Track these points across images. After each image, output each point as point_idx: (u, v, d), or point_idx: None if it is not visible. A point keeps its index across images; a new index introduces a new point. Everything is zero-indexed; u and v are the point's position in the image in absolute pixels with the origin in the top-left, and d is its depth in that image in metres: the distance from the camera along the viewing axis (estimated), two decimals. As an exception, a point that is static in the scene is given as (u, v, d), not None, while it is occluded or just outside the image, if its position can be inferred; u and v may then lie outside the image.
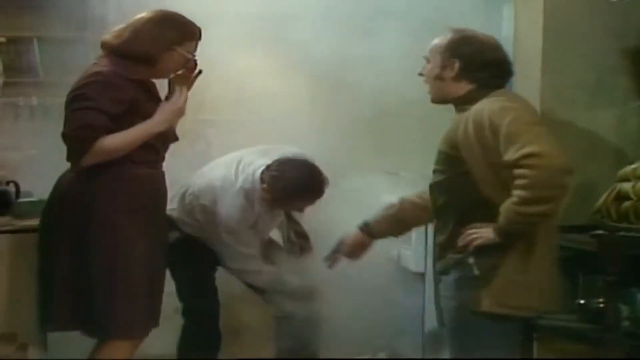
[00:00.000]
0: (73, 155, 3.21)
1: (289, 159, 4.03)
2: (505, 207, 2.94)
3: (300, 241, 4.28)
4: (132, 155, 3.29)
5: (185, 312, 4.18)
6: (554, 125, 3.54)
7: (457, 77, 3.16)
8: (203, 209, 4.01)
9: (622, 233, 3.39)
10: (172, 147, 5.22)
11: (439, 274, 3.21)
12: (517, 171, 2.88)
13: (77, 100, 3.19)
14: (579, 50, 4.01)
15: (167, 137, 3.45)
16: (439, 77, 3.19)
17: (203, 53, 5.17)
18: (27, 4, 4.67)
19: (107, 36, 3.37)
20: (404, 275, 4.42)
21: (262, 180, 3.99)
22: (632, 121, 4.04)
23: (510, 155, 2.90)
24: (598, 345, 3.29)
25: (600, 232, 3.41)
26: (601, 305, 3.33)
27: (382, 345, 4.62)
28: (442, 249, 3.17)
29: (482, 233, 3.01)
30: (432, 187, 3.21)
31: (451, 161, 3.09)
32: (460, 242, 3.06)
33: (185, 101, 3.38)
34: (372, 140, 5.04)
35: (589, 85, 4.02)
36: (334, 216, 4.39)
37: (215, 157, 5.23)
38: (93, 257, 3.25)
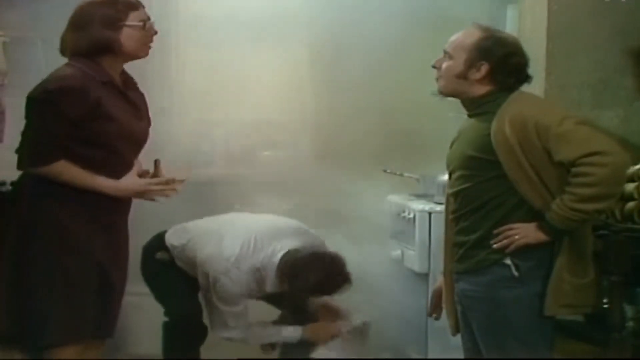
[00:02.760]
0: (34, 161, 3.19)
1: (310, 255, 3.97)
2: (560, 205, 2.90)
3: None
4: (90, 157, 3.23)
5: (167, 314, 4.23)
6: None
7: (482, 79, 3.06)
8: (204, 275, 4.01)
9: (626, 233, 3.38)
10: (176, 147, 5.26)
11: (461, 273, 3.13)
12: (579, 169, 2.87)
13: (42, 105, 3.17)
14: (584, 50, 4.01)
15: (136, 142, 3.36)
16: (461, 76, 3.07)
17: (209, 54, 5.20)
18: (31, 3, 4.67)
19: (62, 45, 3.30)
20: (408, 276, 4.41)
21: (280, 267, 3.96)
22: (637, 121, 4.04)
23: (567, 154, 2.88)
24: (603, 345, 3.29)
25: (605, 232, 3.40)
26: (606, 305, 3.33)
27: (386, 346, 4.62)
28: (468, 249, 3.09)
29: (526, 232, 2.97)
30: (459, 192, 3.10)
31: (483, 165, 3.01)
32: (497, 243, 3.00)
33: (143, 195, 3.34)
34: (375, 141, 5.04)
35: (594, 85, 4.02)
36: (337, 217, 4.39)
37: (219, 157, 5.26)
38: (37, 260, 3.18)
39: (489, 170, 3.00)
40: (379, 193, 4.73)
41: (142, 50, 3.31)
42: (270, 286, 3.99)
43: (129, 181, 3.30)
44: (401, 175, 4.73)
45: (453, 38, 3.11)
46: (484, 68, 3.04)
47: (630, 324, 3.33)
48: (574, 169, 2.89)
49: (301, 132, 5.32)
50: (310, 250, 3.99)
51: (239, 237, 4.03)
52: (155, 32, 3.33)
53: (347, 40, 5.17)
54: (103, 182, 3.24)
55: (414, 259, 4.36)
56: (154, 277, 4.20)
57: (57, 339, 3.21)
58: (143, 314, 4.69)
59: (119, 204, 3.34)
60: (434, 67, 3.13)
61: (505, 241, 2.98)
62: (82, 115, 3.17)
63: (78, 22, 3.27)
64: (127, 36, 3.25)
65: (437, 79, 3.13)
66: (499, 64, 3.04)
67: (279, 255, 3.96)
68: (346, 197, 4.59)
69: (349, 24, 5.14)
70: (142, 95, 3.45)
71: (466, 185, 3.07)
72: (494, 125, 2.98)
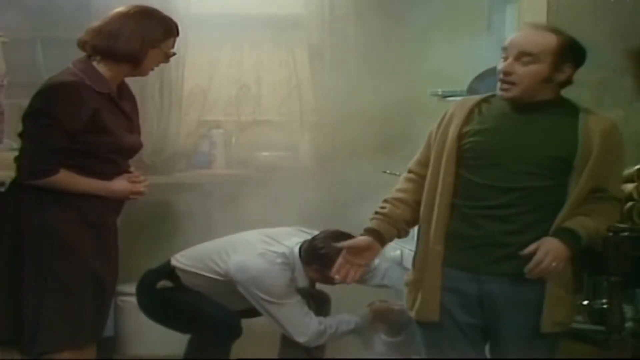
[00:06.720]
0: (34, 175, 3.18)
1: (325, 234, 4.09)
2: (596, 227, 3.07)
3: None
4: (85, 167, 3.23)
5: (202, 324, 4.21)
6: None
7: (564, 82, 3.10)
8: (245, 284, 4.07)
9: (626, 234, 3.38)
10: (176, 148, 5.25)
11: (499, 275, 3.06)
12: (616, 205, 3.14)
13: (42, 116, 3.16)
14: (583, 50, 4.00)
15: (130, 153, 3.39)
16: (547, 79, 3.05)
17: (209, 54, 5.21)
18: (30, 4, 4.67)
19: (86, 36, 3.27)
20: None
21: (302, 256, 4.08)
22: (636, 122, 4.03)
23: (616, 190, 3.16)
24: (602, 346, 3.29)
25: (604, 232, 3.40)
26: (605, 305, 3.33)
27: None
28: (518, 250, 3.01)
29: (556, 253, 2.99)
30: (520, 190, 3.03)
31: (562, 168, 3.03)
32: (534, 273, 2.98)
33: (132, 195, 3.36)
34: (375, 141, 5.04)
35: (593, 85, 4.01)
36: (336, 218, 4.39)
37: (218, 157, 5.26)
38: (30, 264, 3.18)
39: (565, 174, 3.03)
40: (378, 194, 4.72)
41: (148, 72, 3.34)
42: (301, 279, 4.10)
43: (122, 183, 3.31)
44: (401, 175, 4.71)
45: (530, 40, 3.06)
46: (570, 70, 3.09)
47: (629, 324, 3.33)
48: (612, 204, 3.10)
49: (301, 132, 5.32)
50: (323, 232, 4.12)
51: (262, 240, 4.15)
52: (167, 61, 3.37)
53: (347, 40, 5.18)
54: (98, 185, 3.25)
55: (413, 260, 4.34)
56: (168, 304, 4.19)
57: (52, 345, 3.20)
58: (143, 314, 4.70)
59: (110, 204, 3.33)
60: (505, 73, 3.04)
61: (545, 271, 2.97)
62: (79, 128, 3.16)
63: (123, 29, 3.24)
64: (151, 57, 3.28)
65: (508, 87, 3.05)
66: (579, 65, 3.12)
67: (297, 247, 4.10)
68: (345, 198, 4.59)
69: (348, 24, 5.14)
70: (134, 103, 3.44)
71: (534, 184, 3.03)
72: (589, 130, 3.07)
